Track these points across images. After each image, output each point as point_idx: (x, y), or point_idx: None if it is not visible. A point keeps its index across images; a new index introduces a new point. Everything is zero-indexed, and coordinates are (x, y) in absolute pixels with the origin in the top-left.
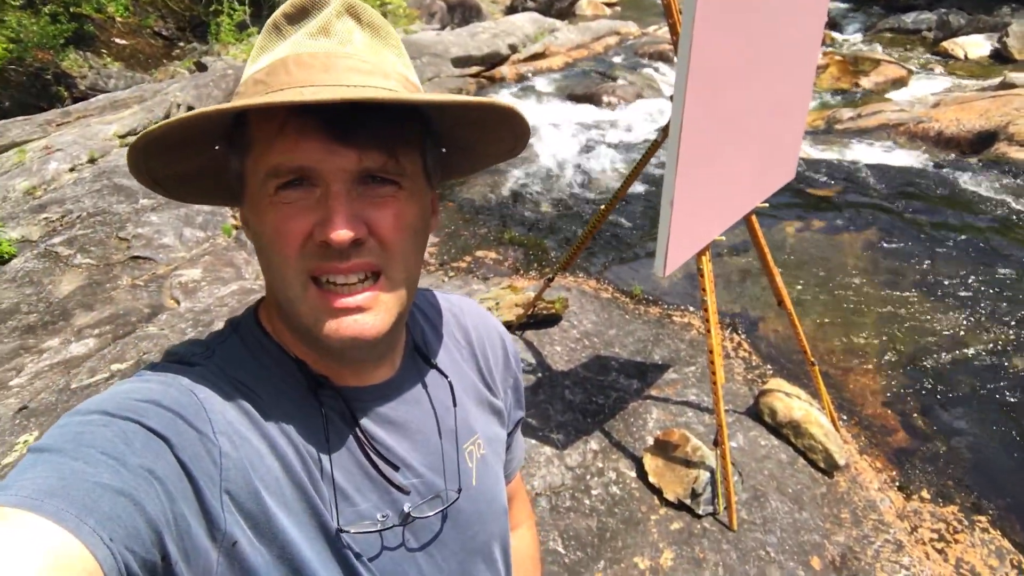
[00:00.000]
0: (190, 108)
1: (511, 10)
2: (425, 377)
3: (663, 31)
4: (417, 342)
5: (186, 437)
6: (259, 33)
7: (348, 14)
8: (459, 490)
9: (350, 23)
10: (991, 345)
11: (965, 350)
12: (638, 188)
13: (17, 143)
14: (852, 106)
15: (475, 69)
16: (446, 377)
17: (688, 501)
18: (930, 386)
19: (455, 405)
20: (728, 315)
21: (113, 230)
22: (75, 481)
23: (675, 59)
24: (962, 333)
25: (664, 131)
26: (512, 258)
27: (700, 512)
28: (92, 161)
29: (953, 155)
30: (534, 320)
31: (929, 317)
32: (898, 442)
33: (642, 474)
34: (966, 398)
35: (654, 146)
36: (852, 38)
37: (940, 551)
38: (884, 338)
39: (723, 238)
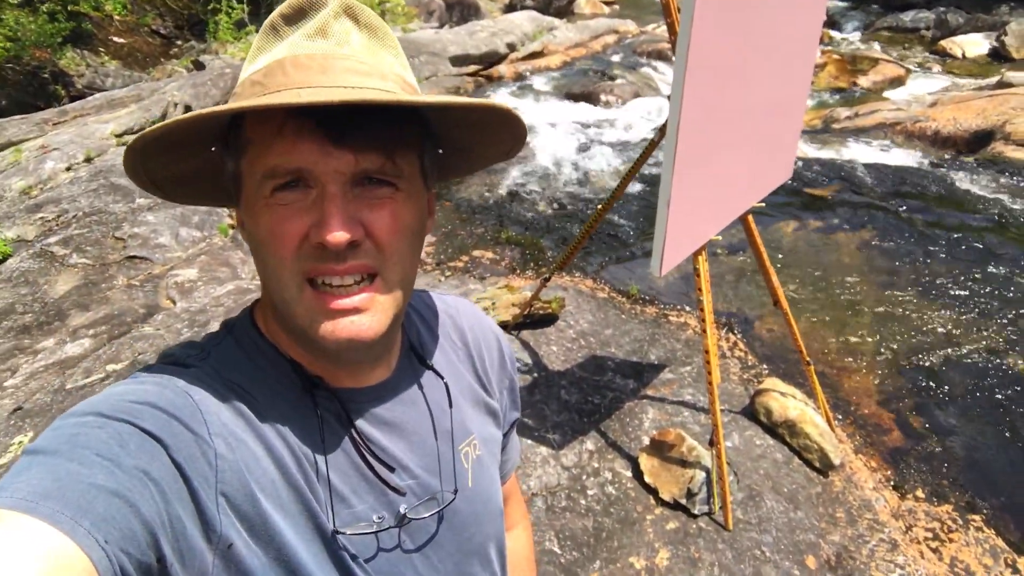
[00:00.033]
0: (188, 107)
1: (509, 8)
2: (421, 378)
3: (661, 30)
4: (413, 343)
5: (181, 439)
6: (257, 31)
7: (346, 15)
8: (455, 491)
9: (348, 24)
10: (986, 344)
11: (960, 349)
12: (635, 187)
13: (13, 142)
14: (849, 105)
15: (473, 68)
16: (442, 378)
17: (684, 501)
18: (925, 385)
19: (451, 406)
20: (724, 315)
21: (109, 230)
22: (70, 483)
23: (673, 58)
24: (958, 332)
25: (662, 130)
26: (509, 258)
27: (696, 512)
28: (88, 160)
29: (950, 154)
30: (530, 320)
31: (925, 316)
32: (893, 441)
33: (638, 474)
34: (961, 397)
35: (651, 145)
36: (850, 36)
37: (935, 550)
38: (880, 337)
39: (719, 237)
